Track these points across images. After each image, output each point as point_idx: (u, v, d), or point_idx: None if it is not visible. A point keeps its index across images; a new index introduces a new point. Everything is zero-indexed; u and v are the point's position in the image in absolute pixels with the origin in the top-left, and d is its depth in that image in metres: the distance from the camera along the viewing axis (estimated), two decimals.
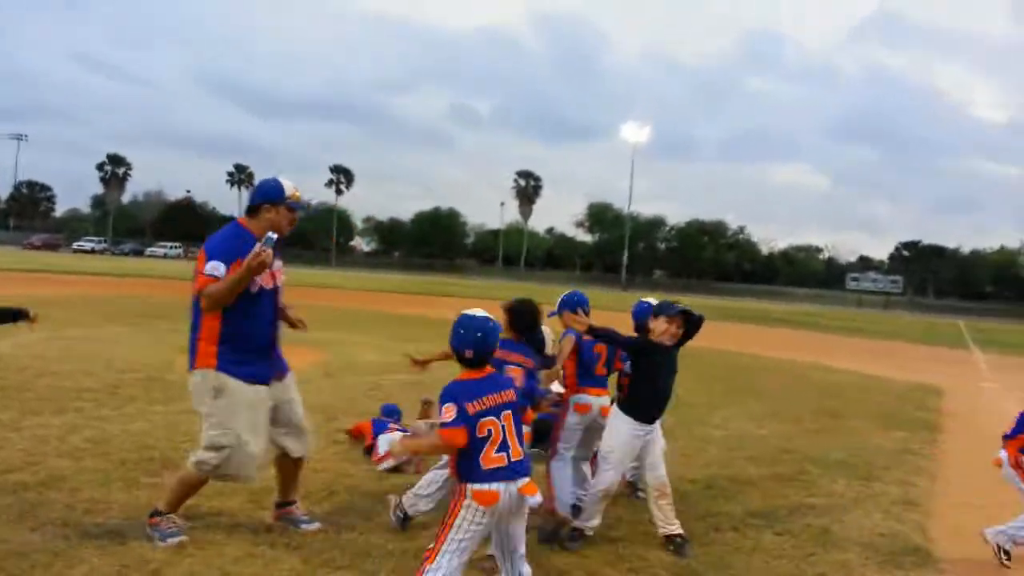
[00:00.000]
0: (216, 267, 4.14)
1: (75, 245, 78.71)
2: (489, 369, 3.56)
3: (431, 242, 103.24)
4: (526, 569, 3.52)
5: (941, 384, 14.29)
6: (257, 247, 4.09)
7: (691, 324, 4.73)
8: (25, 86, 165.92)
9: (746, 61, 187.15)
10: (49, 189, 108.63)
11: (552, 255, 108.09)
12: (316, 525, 4.66)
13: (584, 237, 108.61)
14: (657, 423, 4.85)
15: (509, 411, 3.46)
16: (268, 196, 4.38)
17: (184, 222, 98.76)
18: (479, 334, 3.48)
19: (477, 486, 3.34)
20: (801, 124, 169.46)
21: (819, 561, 4.72)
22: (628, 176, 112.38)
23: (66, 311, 15.95)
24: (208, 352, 4.24)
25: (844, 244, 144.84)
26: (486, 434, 3.37)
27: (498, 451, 3.38)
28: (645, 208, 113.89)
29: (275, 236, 4.19)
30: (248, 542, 4.31)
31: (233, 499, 4.98)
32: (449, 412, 3.35)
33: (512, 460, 3.40)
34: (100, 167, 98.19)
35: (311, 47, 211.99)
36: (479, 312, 3.57)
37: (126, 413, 7.08)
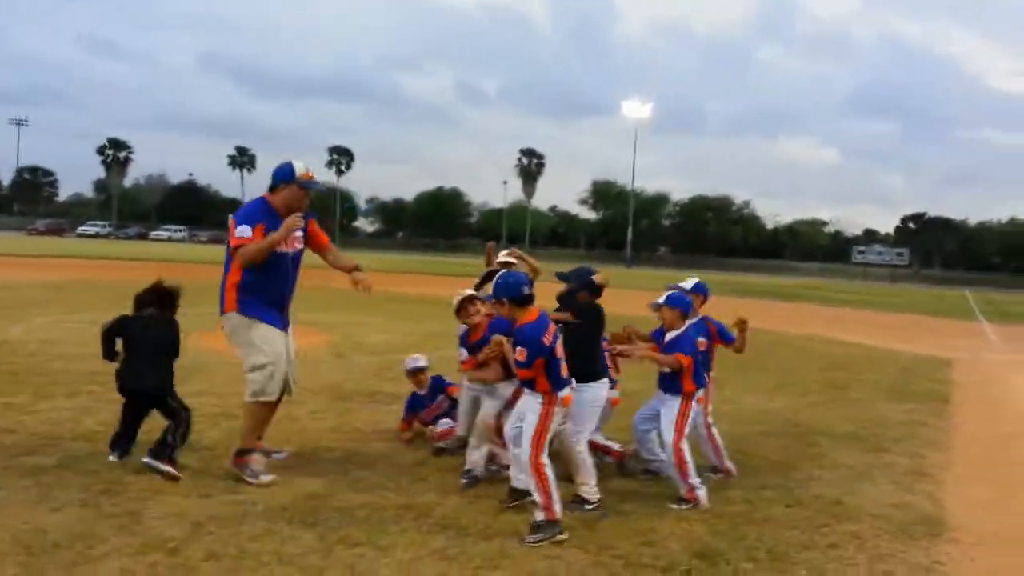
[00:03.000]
0: (244, 230, 5.03)
1: (79, 230, 78.69)
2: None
3: (435, 222, 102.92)
4: None
5: (949, 356, 14.29)
6: (293, 218, 5.07)
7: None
8: (24, 68, 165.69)
9: (758, 31, 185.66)
10: (51, 174, 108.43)
11: (556, 233, 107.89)
12: (284, 455, 5.54)
13: (588, 215, 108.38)
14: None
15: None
16: (282, 177, 5.21)
17: (187, 205, 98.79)
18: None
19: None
20: (811, 96, 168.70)
21: (831, 532, 4.75)
22: (633, 153, 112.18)
23: (73, 296, 16.01)
24: (232, 298, 5.13)
25: (852, 218, 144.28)
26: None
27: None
28: (651, 184, 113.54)
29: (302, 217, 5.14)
30: (265, 519, 4.35)
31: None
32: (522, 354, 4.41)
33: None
34: (101, 151, 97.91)
35: (314, 25, 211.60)
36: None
37: None
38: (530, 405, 4.55)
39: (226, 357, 9.25)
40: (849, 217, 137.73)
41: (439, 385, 6.41)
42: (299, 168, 5.24)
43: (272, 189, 5.23)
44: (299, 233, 5.25)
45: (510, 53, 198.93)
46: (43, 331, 10.74)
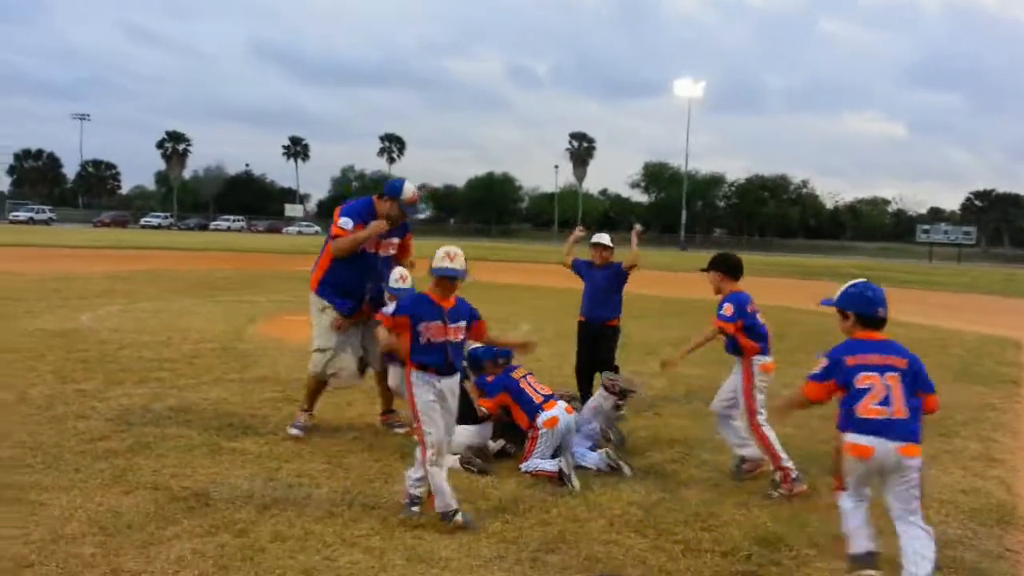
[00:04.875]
0: (346, 222, 5.60)
1: (142, 221, 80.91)
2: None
3: (486, 207, 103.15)
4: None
5: (1019, 337, 13.79)
6: (380, 223, 5.55)
7: None
8: (82, 63, 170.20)
9: (819, 1, 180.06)
10: (114, 167, 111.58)
11: (608, 217, 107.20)
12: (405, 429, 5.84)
13: (640, 197, 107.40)
14: None
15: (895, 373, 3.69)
16: (391, 191, 5.73)
17: (245, 195, 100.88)
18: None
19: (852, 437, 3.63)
20: (876, 69, 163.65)
21: None
22: (686, 133, 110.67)
23: (139, 285, 16.51)
24: (316, 279, 5.79)
25: (916, 196, 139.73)
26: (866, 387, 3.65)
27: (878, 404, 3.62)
28: (705, 165, 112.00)
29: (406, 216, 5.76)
30: (328, 502, 4.44)
31: (313, 462, 5.14)
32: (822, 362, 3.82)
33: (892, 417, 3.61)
34: (160, 144, 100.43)
35: (365, 11, 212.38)
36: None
37: (204, 382, 7.32)
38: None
39: (287, 344, 9.47)
40: (914, 195, 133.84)
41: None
42: (407, 191, 5.71)
43: (381, 196, 5.76)
44: (395, 239, 5.88)
45: (560, 33, 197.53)
46: (112, 320, 11.10)
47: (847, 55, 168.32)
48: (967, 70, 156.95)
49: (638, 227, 7.04)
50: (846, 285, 3.99)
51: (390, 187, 5.80)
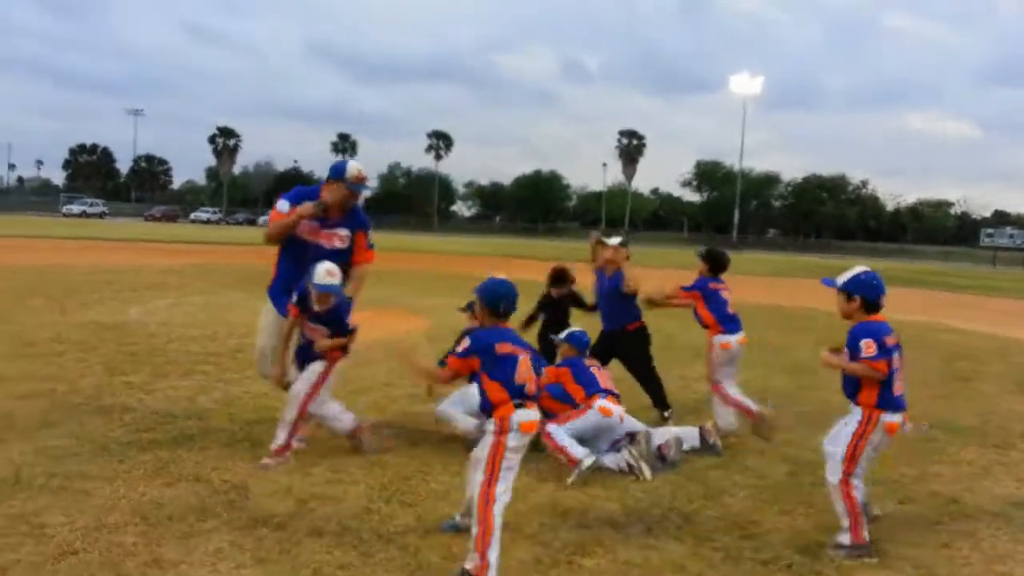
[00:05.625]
0: (283, 205, 5.34)
1: (192, 216, 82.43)
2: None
3: (533, 206, 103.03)
4: None
5: None
6: (307, 205, 5.21)
7: None
8: (137, 61, 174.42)
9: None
10: (166, 163, 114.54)
11: (658, 216, 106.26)
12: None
13: (692, 197, 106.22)
14: None
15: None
16: (334, 173, 5.39)
17: None
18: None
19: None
20: (943, 67, 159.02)
21: (945, 530, 4.49)
22: (741, 131, 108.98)
23: (189, 279, 16.85)
24: (271, 276, 5.54)
25: (982, 197, 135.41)
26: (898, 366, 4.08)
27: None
28: (761, 163, 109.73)
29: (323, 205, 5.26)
30: (364, 498, 4.46)
31: (350, 458, 5.17)
32: (871, 347, 4.01)
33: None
34: (212, 140, 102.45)
35: (422, 10, 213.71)
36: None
37: (248, 376, 7.41)
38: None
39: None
40: (981, 196, 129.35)
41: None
42: (351, 169, 5.39)
43: (327, 180, 5.41)
44: (341, 231, 5.39)
45: (613, 28, 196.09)
46: (160, 313, 11.35)
47: (914, 53, 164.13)
48: None
49: (595, 234, 7.06)
50: (855, 271, 4.30)
51: (335, 169, 5.39)
